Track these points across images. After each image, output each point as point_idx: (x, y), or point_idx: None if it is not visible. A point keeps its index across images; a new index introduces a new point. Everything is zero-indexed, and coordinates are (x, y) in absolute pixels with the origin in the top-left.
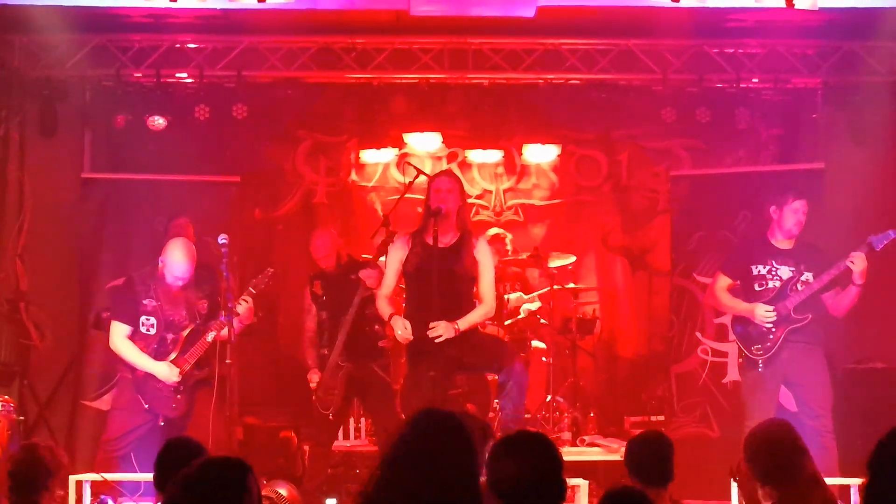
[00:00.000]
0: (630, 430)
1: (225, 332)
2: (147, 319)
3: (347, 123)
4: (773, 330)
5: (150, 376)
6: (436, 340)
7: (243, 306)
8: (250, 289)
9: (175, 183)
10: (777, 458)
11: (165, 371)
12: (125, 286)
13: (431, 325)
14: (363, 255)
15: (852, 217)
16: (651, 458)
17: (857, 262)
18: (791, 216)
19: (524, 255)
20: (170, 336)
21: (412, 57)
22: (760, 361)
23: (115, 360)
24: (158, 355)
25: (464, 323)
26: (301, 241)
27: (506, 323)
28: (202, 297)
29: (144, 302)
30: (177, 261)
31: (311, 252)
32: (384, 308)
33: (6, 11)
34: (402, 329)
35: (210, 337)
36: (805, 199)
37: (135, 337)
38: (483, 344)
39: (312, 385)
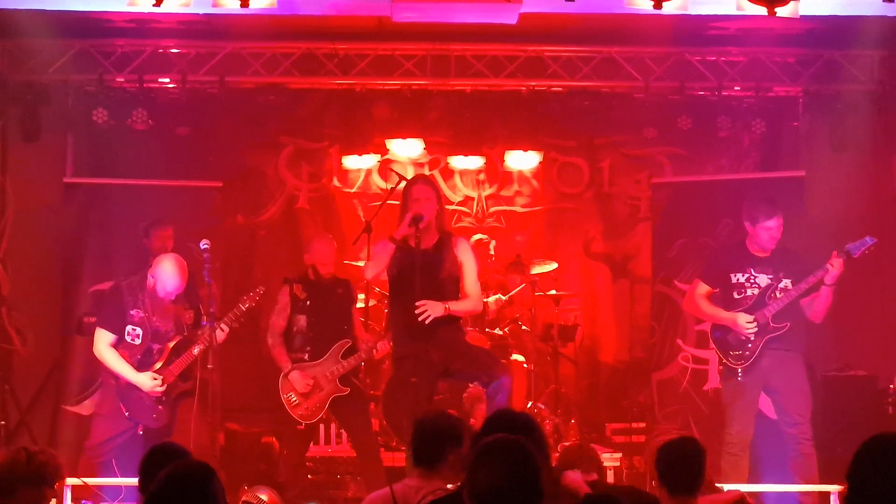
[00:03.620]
0: (611, 436)
1: (221, 336)
2: (133, 329)
3: (329, 129)
4: (752, 338)
5: (133, 385)
6: (424, 320)
7: (222, 333)
8: (241, 305)
9: (157, 188)
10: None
11: (148, 382)
12: (112, 294)
13: (419, 303)
14: (345, 261)
15: (833, 224)
16: (678, 465)
17: (836, 267)
18: (764, 234)
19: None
20: (156, 346)
21: (394, 63)
22: (739, 369)
23: (98, 366)
24: (143, 365)
25: (454, 305)
26: (283, 247)
27: (486, 330)
28: (189, 308)
29: (132, 312)
30: (169, 276)
31: (311, 257)
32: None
33: None
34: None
35: (196, 350)
36: (780, 215)
37: (120, 345)
38: (471, 353)
39: (299, 388)
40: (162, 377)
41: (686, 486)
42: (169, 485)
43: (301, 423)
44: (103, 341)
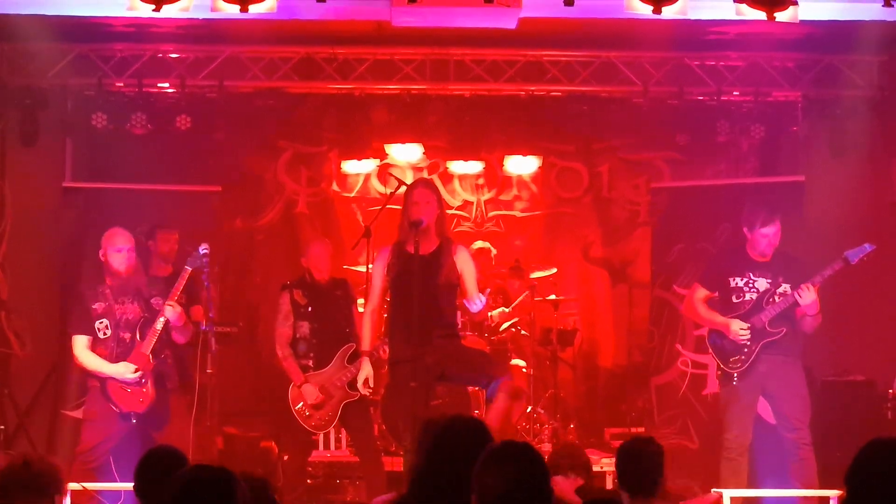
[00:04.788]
0: (610, 441)
1: (170, 313)
2: (100, 323)
3: (328, 134)
4: (749, 343)
5: (114, 380)
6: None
7: (171, 310)
8: (186, 266)
9: (156, 192)
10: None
11: (122, 370)
12: (75, 298)
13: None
14: (344, 266)
15: (832, 229)
16: (636, 468)
17: (805, 297)
18: (761, 240)
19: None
20: (127, 335)
21: (393, 68)
22: (736, 374)
23: (87, 373)
24: (120, 357)
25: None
26: (282, 251)
27: (486, 335)
28: (157, 295)
29: (94, 306)
30: (114, 239)
31: (308, 261)
32: (366, 330)
33: None
34: (363, 380)
35: (159, 324)
36: (777, 222)
37: (95, 345)
38: (468, 356)
39: (311, 401)
40: (134, 364)
41: (645, 488)
42: (189, 491)
43: (316, 434)
44: (80, 345)
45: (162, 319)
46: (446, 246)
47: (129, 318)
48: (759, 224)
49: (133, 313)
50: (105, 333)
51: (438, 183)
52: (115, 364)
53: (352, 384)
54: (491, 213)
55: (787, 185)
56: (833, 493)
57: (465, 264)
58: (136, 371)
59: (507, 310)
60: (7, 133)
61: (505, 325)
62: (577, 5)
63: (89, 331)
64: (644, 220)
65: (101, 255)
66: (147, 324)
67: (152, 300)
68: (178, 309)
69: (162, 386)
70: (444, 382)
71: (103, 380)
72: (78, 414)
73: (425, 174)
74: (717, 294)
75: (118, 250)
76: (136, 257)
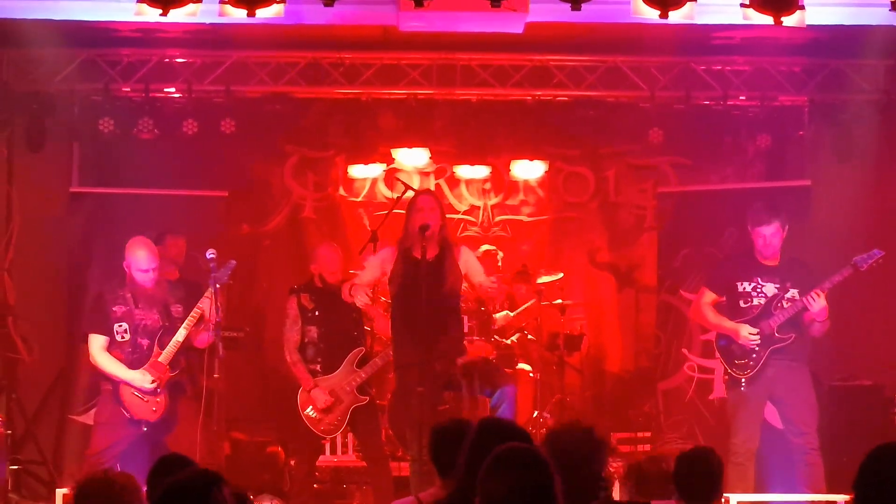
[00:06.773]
0: (617, 446)
1: (206, 306)
2: (119, 326)
3: (335, 138)
4: (757, 348)
5: (128, 385)
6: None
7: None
8: (217, 284)
9: (163, 197)
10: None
11: (139, 378)
12: (96, 299)
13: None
14: (351, 271)
15: (839, 234)
16: (697, 476)
17: (815, 304)
18: (758, 240)
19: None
20: (145, 342)
21: (400, 72)
22: (743, 379)
23: (100, 375)
24: (135, 362)
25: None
26: (289, 256)
27: (493, 339)
28: (177, 302)
29: (114, 308)
30: (137, 252)
31: (318, 266)
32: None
33: None
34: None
35: (181, 336)
36: (776, 223)
37: (112, 347)
38: (473, 364)
39: (320, 405)
40: (152, 374)
41: (705, 497)
42: (170, 494)
43: (325, 438)
44: (96, 345)
45: (183, 331)
46: (448, 251)
47: (148, 325)
48: (755, 223)
49: (152, 320)
50: (123, 337)
51: (445, 187)
52: (132, 371)
53: (361, 388)
54: (497, 218)
55: (793, 190)
56: (840, 498)
57: (469, 260)
58: (153, 382)
59: (511, 314)
60: (14, 138)
61: (513, 338)
62: (584, 10)
63: (108, 332)
64: (650, 224)
65: (124, 265)
66: (166, 333)
67: (172, 308)
68: (212, 298)
69: (175, 395)
70: (452, 389)
71: (116, 384)
72: (85, 419)
73: (432, 178)
74: (724, 298)
75: (144, 271)
76: (159, 272)
